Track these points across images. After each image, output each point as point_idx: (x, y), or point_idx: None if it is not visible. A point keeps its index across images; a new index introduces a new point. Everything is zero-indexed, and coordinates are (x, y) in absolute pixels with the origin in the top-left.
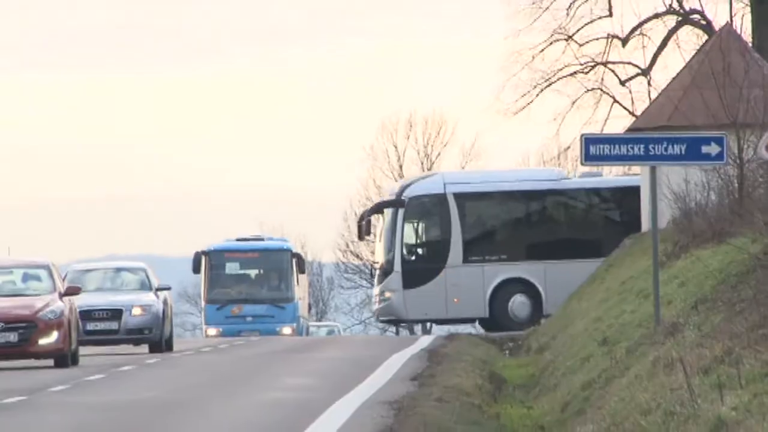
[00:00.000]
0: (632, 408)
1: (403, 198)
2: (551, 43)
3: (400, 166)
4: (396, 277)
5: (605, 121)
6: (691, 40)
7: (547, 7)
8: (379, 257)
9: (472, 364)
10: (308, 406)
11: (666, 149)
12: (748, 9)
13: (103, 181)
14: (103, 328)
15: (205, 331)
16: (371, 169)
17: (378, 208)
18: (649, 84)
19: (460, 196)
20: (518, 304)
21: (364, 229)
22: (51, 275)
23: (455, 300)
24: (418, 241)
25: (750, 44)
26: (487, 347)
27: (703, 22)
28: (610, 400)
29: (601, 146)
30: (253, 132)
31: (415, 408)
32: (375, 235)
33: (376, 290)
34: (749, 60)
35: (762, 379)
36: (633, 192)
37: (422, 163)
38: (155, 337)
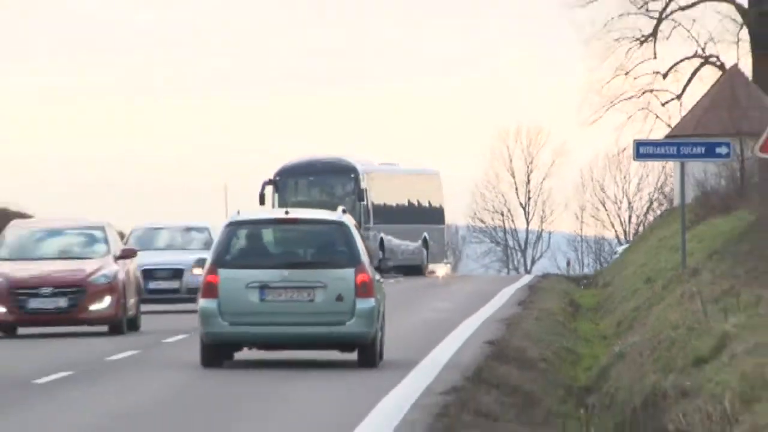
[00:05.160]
0: (665, 325)
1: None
2: (614, 77)
3: (510, 160)
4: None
5: (650, 130)
6: (710, 75)
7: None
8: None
9: (559, 294)
10: (449, 321)
11: (692, 150)
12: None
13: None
14: (164, 287)
15: None
16: (491, 162)
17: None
18: (680, 105)
19: None
20: None
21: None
22: (106, 237)
23: None
24: None
25: (750, 79)
26: (568, 283)
27: (719, 63)
28: (651, 319)
29: (648, 147)
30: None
31: (519, 323)
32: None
33: None
34: (749, 89)
35: (754, 307)
36: None
37: (525, 159)
38: None
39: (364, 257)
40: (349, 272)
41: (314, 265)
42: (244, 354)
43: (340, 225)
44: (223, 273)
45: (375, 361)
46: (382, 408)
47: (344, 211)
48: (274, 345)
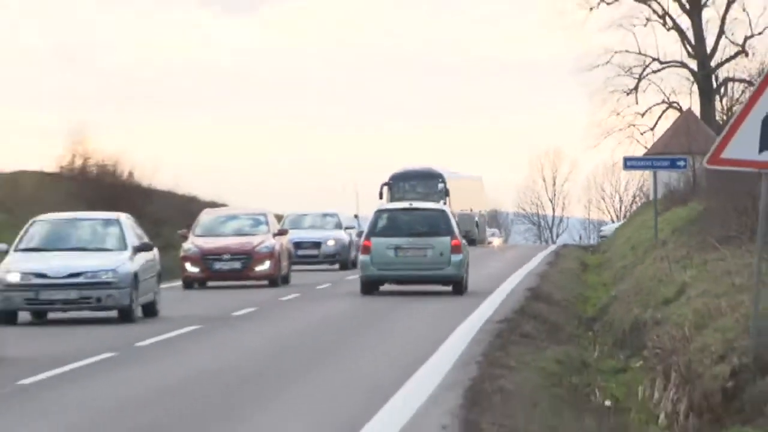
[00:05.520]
0: (644, 277)
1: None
2: (609, 116)
3: (542, 170)
4: None
5: (633, 151)
6: (673, 114)
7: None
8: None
9: (574, 257)
10: (502, 274)
11: (661, 163)
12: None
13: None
14: (308, 254)
15: None
16: (530, 171)
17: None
18: (653, 134)
19: None
20: None
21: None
22: (267, 220)
23: None
24: None
25: (699, 117)
26: (580, 251)
27: (678, 107)
28: (635, 274)
29: (632, 161)
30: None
31: (548, 276)
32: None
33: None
34: (698, 124)
35: (703, 266)
36: None
37: (552, 169)
38: (344, 260)
39: (456, 230)
40: (447, 239)
41: (426, 234)
42: (386, 287)
43: (442, 211)
44: (374, 240)
45: (462, 291)
46: (460, 330)
47: (444, 203)
48: (403, 282)
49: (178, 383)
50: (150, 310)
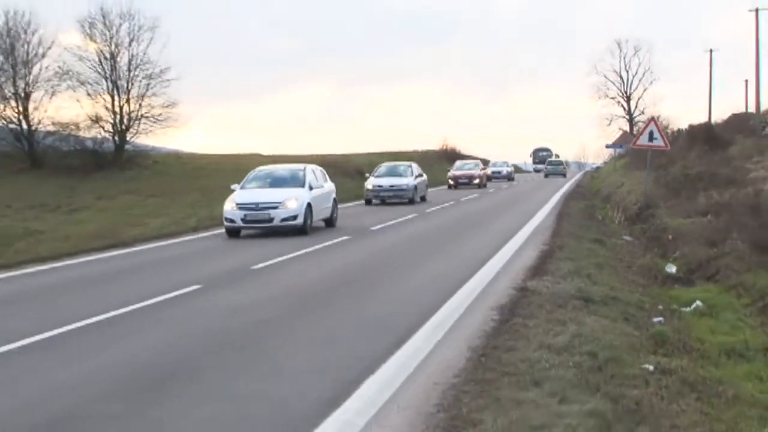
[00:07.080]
0: (610, 180)
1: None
2: (602, 131)
3: (581, 149)
4: None
5: (609, 142)
6: (621, 132)
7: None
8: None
9: (590, 175)
10: (569, 179)
11: (617, 147)
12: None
13: None
14: (496, 176)
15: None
16: (578, 150)
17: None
18: (615, 137)
19: None
20: None
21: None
22: (479, 163)
23: None
24: None
25: (630, 132)
26: (593, 173)
27: (623, 130)
28: (608, 180)
29: (610, 146)
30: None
31: (581, 181)
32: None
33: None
34: (629, 135)
35: (629, 176)
36: None
37: (583, 149)
38: (511, 179)
39: (565, 164)
40: (563, 166)
41: (557, 165)
42: (549, 178)
43: (562, 161)
44: (548, 166)
45: (565, 177)
46: (557, 195)
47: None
48: (553, 176)
49: (460, 216)
50: (423, 199)
